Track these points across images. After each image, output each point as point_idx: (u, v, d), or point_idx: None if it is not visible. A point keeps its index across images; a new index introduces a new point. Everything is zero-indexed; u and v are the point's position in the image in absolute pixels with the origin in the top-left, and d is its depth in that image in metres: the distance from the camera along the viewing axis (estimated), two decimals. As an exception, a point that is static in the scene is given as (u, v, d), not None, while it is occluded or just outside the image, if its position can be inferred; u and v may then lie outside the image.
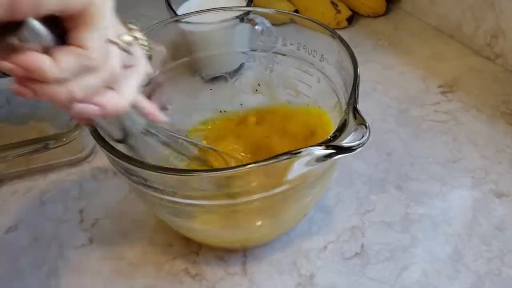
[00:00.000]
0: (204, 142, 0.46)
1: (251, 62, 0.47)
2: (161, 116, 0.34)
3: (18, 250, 0.45)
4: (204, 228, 0.39)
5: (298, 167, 0.30)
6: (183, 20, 0.45)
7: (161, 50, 0.43)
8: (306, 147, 0.29)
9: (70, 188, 0.50)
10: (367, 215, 0.45)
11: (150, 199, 0.36)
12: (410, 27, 0.68)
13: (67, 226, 0.46)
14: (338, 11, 0.68)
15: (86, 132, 0.48)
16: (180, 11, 0.56)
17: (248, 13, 0.45)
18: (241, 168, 0.29)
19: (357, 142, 0.30)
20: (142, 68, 0.30)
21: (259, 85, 0.48)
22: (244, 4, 0.54)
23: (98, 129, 0.33)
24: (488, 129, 0.52)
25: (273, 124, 0.47)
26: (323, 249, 0.42)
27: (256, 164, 0.29)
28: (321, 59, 0.41)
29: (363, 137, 0.30)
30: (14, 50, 0.23)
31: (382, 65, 0.62)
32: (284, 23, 0.44)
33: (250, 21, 0.45)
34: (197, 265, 0.42)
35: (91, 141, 0.52)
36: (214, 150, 0.42)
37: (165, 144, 0.37)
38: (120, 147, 0.33)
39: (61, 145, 0.49)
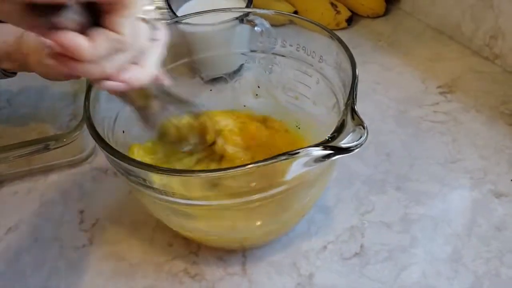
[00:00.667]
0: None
1: (250, 63, 0.48)
2: (166, 80, 0.35)
3: (18, 250, 0.45)
4: (203, 228, 0.39)
5: (296, 168, 0.30)
6: (183, 21, 0.45)
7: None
8: (304, 148, 0.29)
9: (70, 188, 0.50)
10: (366, 215, 0.45)
11: (150, 199, 0.36)
12: (409, 28, 0.68)
13: (68, 226, 0.47)
14: (338, 12, 0.68)
15: (86, 133, 0.49)
16: (180, 12, 0.56)
17: (247, 14, 0.45)
18: (240, 168, 0.30)
19: (355, 143, 0.30)
20: (163, 39, 0.32)
21: (258, 87, 0.48)
22: (244, 5, 0.55)
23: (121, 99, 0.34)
24: (487, 129, 0.52)
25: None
26: (322, 249, 0.42)
27: (255, 165, 0.29)
28: (320, 60, 0.41)
29: (361, 137, 0.30)
30: (55, 28, 0.25)
31: (381, 66, 0.62)
32: (283, 24, 0.44)
33: (250, 22, 0.45)
34: (196, 265, 0.42)
35: (91, 142, 0.53)
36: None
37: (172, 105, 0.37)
38: (120, 147, 0.33)
39: (62, 146, 0.49)
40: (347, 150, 0.29)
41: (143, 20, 0.29)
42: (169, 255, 0.43)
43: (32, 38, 0.46)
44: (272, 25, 0.44)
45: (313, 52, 0.42)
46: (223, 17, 0.45)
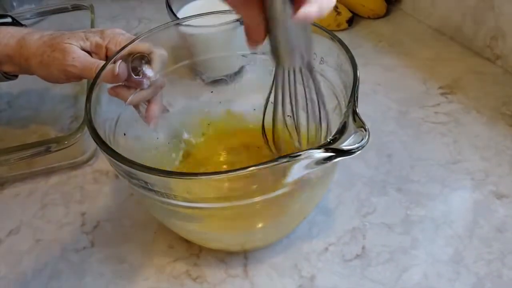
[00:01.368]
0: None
1: (251, 65, 0.48)
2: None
3: (20, 253, 0.45)
4: (204, 230, 0.39)
5: (297, 170, 0.30)
6: (184, 23, 0.45)
7: (162, 53, 0.44)
8: (305, 150, 0.29)
9: (71, 191, 0.50)
10: (367, 217, 0.45)
11: (151, 202, 0.36)
12: (410, 29, 0.68)
13: (69, 228, 0.47)
14: (338, 13, 0.68)
15: (87, 135, 0.49)
16: (180, 14, 0.56)
17: (248, 16, 0.45)
18: (242, 171, 0.30)
19: (356, 145, 0.30)
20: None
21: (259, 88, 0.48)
22: (245, 7, 0.55)
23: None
24: (488, 130, 0.52)
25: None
26: (323, 251, 0.42)
27: (256, 167, 0.29)
28: (321, 62, 0.41)
29: (362, 140, 0.30)
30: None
31: (382, 67, 0.62)
32: (284, 26, 0.44)
33: (250, 23, 0.45)
34: (198, 267, 0.42)
35: (92, 144, 0.53)
36: None
37: None
38: (121, 149, 0.33)
39: (63, 148, 0.49)
40: (348, 152, 0.29)
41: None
42: (171, 257, 0.43)
43: (33, 41, 0.46)
44: (273, 27, 0.44)
45: (314, 53, 0.42)
46: (224, 19, 0.45)
